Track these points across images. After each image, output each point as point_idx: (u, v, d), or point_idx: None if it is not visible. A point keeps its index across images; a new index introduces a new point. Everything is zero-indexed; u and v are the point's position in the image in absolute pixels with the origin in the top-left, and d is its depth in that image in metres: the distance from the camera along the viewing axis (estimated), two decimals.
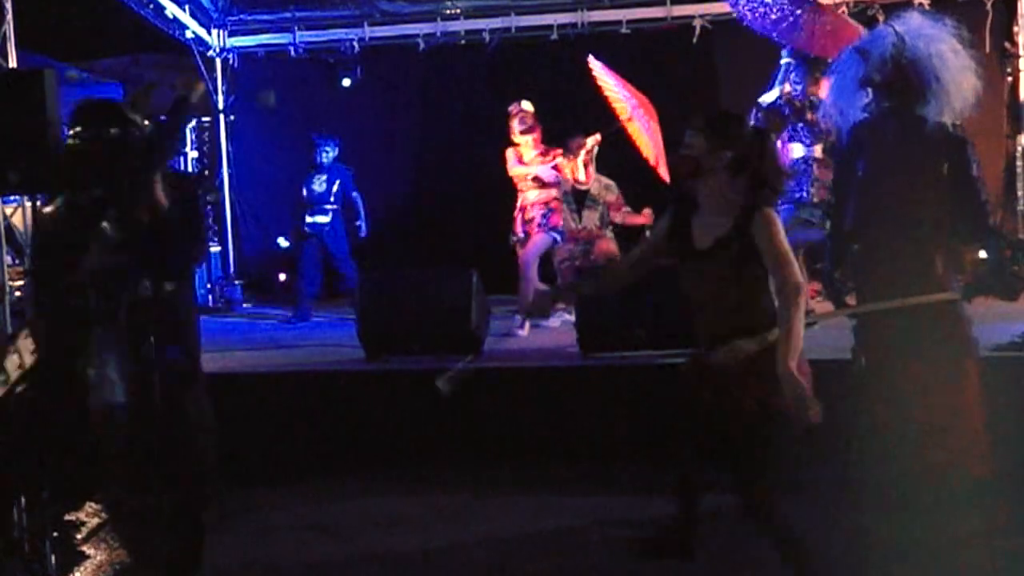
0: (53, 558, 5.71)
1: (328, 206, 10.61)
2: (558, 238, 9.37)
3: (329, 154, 10.71)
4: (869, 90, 5.34)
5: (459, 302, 7.76)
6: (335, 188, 10.62)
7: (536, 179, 9.23)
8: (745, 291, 4.42)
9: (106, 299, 4.60)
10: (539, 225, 9.18)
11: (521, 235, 9.28)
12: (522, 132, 9.19)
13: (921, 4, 9.75)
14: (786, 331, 4.22)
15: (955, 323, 5.18)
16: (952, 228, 5.18)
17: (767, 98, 8.33)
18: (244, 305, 12.19)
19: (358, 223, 10.76)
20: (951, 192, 5.12)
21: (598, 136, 9.49)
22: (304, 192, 10.64)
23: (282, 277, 12.47)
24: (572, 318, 8.46)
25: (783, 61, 8.34)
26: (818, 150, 8.15)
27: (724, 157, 4.40)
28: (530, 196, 9.25)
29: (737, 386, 4.36)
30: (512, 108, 9.35)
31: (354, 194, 10.73)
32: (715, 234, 4.43)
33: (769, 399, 4.27)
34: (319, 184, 10.60)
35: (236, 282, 12.59)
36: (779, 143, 8.06)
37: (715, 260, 4.42)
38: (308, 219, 10.59)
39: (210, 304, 11.92)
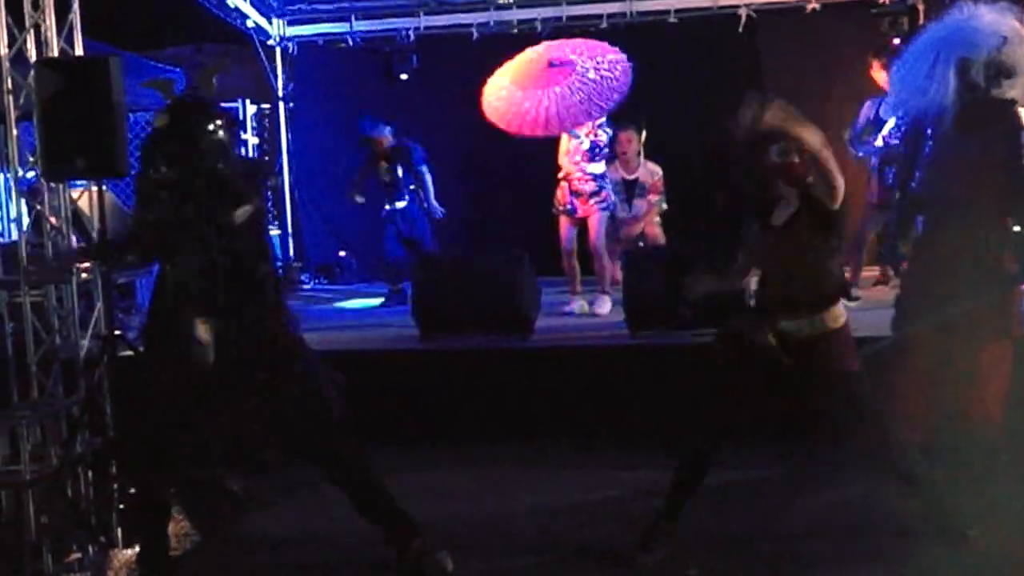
0: (119, 530, 5.89)
1: (401, 190, 10.45)
2: (611, 211, 9.46)
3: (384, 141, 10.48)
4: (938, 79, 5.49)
5: (510, 284, 7.97)
6: (399, 172, 10.41)
7: (584, 153, 9.15)
8: (819, 259, 4.80)
9: None
10: (592, 201, 9.16)
11: (568, 206, 9.19)
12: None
13: None
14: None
15: (1005, 299, 5.35)
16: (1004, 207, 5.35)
17: None
18: (304, 287, 12.49)
19: (425, 205, 10.54)
20: (1002, 171, 5.28)
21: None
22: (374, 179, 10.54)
23: (342, 253, 12.76)
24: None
25: None
26: None
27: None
28: (575, 171, 9.18)
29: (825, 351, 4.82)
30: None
31: (422, 168, 10.49)
32: (788, 210, 4.82)
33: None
34: (385, 173, 10.44)
35: (295, 264, 12.88)
36: None
37: (792, 232, 4.80)
38: (386, 206, 10.51)
39: None
